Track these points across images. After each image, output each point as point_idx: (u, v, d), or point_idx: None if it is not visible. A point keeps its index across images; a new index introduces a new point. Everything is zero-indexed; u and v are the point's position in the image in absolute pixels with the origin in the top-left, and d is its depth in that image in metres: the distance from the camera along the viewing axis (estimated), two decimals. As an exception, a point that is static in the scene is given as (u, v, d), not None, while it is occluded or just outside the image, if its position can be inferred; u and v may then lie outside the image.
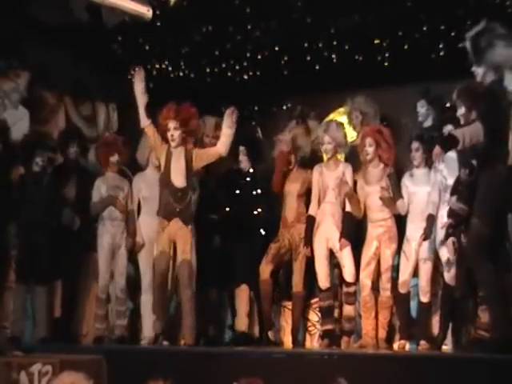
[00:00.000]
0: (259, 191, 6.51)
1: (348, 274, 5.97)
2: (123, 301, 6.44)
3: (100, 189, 6.51)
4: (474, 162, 4.77)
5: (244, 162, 6.55)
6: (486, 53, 4.60)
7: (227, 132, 5.98)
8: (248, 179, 6.53)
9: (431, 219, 5.71)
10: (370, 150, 6.02)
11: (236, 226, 6.45)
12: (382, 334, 5.89)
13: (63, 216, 6.46)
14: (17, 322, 6.31)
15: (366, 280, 5.91)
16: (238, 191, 6.53)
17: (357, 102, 6.55)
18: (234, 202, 6.52)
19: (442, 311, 5.70)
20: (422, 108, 6.51)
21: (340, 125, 6.29)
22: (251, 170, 6.57)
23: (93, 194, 6.53)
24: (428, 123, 6.48)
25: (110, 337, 6.56)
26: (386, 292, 5.90)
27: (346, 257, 5.97)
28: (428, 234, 5.70)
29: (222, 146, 6.00)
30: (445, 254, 5.60)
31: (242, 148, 6.55)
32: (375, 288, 5.98)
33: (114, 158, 6.55)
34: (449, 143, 4.76)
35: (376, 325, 5.91)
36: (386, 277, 5.91)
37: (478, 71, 4.70)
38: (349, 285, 5.98)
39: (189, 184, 6.00)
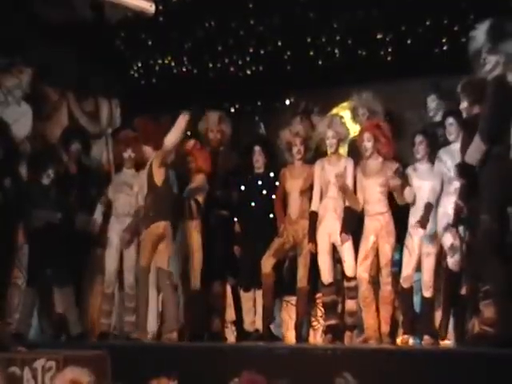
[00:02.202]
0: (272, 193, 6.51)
1: (348, 268, 5.97)
2: (132, 297, 6.43)
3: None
4: (469, 160, 4.74)
5: (259, 162, 6.54)
6: (502, 43, 4.57)
7: (174, 129, 6.07)
8: (260, 182, 6.53)
9: (429, 207, 5.68)
10: (369, 144, 6.02)
11: (249, 226, 6.47)
12: (385, 328, 5.87)
13: (78, 218, 6.49)
14: (24, 321, 6.34)
15: (363, 274, 5.90)
16: (250, 191, 6.55)
17: (364, 99, 6.53)
18: (245, 201, 6.54)
19: (444, 297, 5.67)
20: (432, 102, 6.40)
21: (342, 118, 6.29)
22: (271, 174, 6.56)
23: None
24: (438, 118, 6.41)
25: (114, 333, 6.58)
26: (386, 287, 5.89)
27: (346, 251, 5.97)
28: (424, 222, 5.66)
29: (165, 141, 6.13)
30: (448, 239, 5.57)
31: (257, 148, 6.55)
32: (375, 282, 5.96)
33: (127, 154, 6.55)
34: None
35: (378, 319, 5.90)
36: (386, 271, 5.90)
37: (491, 60, 4.67)
38: (349, 279, 5.97)
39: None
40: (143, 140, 6.49)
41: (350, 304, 5.99)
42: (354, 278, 5.96)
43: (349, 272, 5.96)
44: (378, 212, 5.94)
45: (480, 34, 4.69)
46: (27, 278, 6.39)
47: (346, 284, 6.01)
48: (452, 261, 5.58)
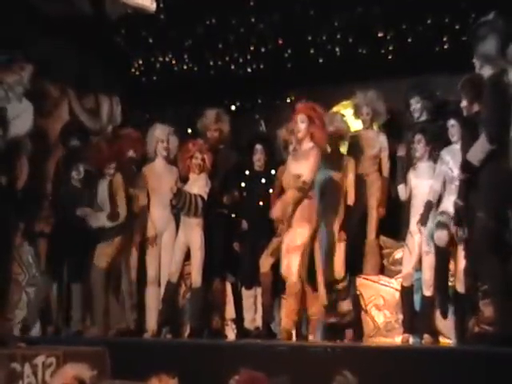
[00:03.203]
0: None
1: (337, 270, 5.96)
2: (134, 295, 6.47)
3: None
4: (471, 159, 4.75)
5: (260, 161, 6.53)
6: (481, 45, 4.61)
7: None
8: (261, 180, 6.53)
9: (429, 206, 5.66)
10: (302, 126, 5.78)
11: (250, 224, 6.49)
12: (285, 323, 5.66)
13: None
14: (33, 314, 6.38)
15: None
16: (250, 189, 6.57)
17: (369, 98, 6.54)
18: (245, 199, 6.58)
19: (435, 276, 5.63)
20: (416, 104, 6.42)
21: (343, 116, 6.27)
22: (272, 172, 6.55)
23: None
24: (423, 117, 6.45)
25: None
26: (291, 277, 5.64)
27: (336, 253, 5.96)
28: (424, 220, 5.64)
29: None
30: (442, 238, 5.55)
31: (258, 146, 6.54)
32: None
33: (130, 153, 6.59)
34: (466, 170, 4.77)
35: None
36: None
37: (476, 62, 4.73)
38: (337, 281, 5.97)
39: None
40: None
41: (342, 305, 5.99)
42: (341, 281, 5.93)
43: (337, 274, 5.95)
44: None
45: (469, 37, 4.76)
46: (44, 271, 6.52)
47: (334, 286, 5.99)
48: (440, 235, 5.48)
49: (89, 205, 6.50)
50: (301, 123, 5.77)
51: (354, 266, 6.36)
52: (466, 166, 4.81)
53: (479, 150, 4.65)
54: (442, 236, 5.42)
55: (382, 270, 6.45)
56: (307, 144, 5.79)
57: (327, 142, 5.89)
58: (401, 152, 6.37)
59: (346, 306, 6.01)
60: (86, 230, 6.45)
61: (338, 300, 6.01)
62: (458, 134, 5.53)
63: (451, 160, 5.58)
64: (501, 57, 4.52)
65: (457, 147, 5.44)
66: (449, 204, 5.46)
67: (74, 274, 6.47)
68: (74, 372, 3.75)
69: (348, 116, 6.88)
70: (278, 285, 6.13)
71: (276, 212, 5.70)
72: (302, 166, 5.70)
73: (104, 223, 6.36)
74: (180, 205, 6.35)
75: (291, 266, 5.59)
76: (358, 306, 6.23)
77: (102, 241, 6.38)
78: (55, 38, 7.40)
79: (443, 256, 5.46)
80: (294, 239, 5.62)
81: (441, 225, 5.43)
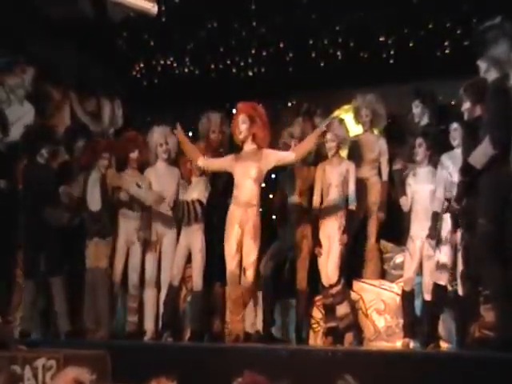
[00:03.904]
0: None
1: (332, 274, 5.94)
2: (135, 297, 6.46)
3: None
4: (472, 162, 4.75)
5: None
6: (490, 48, 4.60)
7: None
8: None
9: (436, 217, 5.64)
10: (244, 127, 5.69)
11: None
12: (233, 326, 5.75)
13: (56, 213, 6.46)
14: (27, 318, 6.33)
15: (236, 271, 5.74)
16: None
17: (368, 101, 6.54)
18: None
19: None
20: (416, 108, 6.42)
21: (342, 121, 6.28)
22: (273, 176, 6.55)
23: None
24: (424, 121, 6.45)
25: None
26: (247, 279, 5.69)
27: (332, 257, 5.95)
28: (432, 232, 5.62)
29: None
30: (441, 256, 5.55)
31: None
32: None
33: (135, 155, 6.56)
34: (466, 173, 4.77)
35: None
36: (247, 263, 5.68)
37: (482, 65, 4.72)
38: (332, 286, 5.96)
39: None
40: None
41: (339, 309, 5.99)
42: (335, 285, 5.94)
43: (332, 279, 5.94)
44: (246, 202, 5.69)
45: (475, 38, 4.74)
46: (24, 271, 6.39)
47: (329, 291, 5.98)
48: (439, 276, 5.54)
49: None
50: (242, 124, 5.70)
51: (354, 270, 6.36)
52: (466, 168, 4.80)
53: (482, 153, 4.64)
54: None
55: (382, 275, 6.44)
56: (250, 145, 5.75)
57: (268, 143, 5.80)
58: (398, 165, 6.35)
59: (343, 309, 5.99)
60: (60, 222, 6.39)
61: (334, 304, 6.00)
62: (460, 138, 5.52)
63: (451, 165, 5.56)
64: (508, 61, 4.53)
65: (458, 152, 5.42)
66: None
67: (54, 267, 6.35)
68: (74, 375, 3.74)
69: (348, 120, 6.89)
70: (278, 289, 6.12)
71: None
72: (250, 169, 5.65)
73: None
74: (179, 216, 6.36)
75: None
76: (356, 310, 6.22)
77: (91, 239, 6.36)
78: (57, 40, 7.43)
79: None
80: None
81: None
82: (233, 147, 6.97)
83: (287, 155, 5.75)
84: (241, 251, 5.71)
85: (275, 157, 5.73)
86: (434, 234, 5.64)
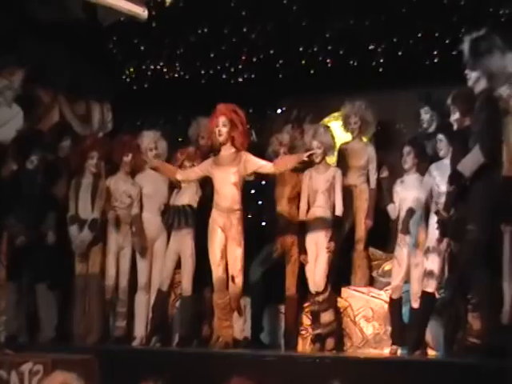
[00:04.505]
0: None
1: (319, 282, 5.95)
2: (124, 302, 6.45)
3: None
4: (461, 169, 4.77)
5: None
6: (483, 58, 4.63)
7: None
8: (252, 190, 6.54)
9: (410, 213, 5.67)
10: (224, 130, 5.61)
11: None
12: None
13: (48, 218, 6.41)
14: (11, 322, 6.29)
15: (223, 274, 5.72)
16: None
17: (357, 108, 6.57)
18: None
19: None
20: (426, 114, 6.35)
21: (327, 128, 6.29)
22: (263, 182, 6.55)
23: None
24: (433, 128, 6.33)
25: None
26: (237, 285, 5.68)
27: (319, 264, 5.96)
28: (404, 227, 5.66)
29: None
30: (429, 264, 5.57)
31: None
32: None
33: (128, 159, 6.55)
34: (455, 180, 4.79)
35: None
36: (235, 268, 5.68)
37: (472, 75, 4.75)
38: (318, 294, 5.97)
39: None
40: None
41: (324, 316, 5.99)
42: (321, 293, 5.94)
43: (319, 287, 5.94)
44: (227, 208, 5.68)
45: (465, 48, 4.76)
46: (7, 273, 6.35)
47: (316, 298, 5.99)
48: (426, 284, 5.55)
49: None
50: (222, 126, 5.64)
51: (343, 276, 6.38)
52: (455, 176, 4.82)
53: (471, 161, 4.67)
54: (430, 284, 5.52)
55: (371, 282, 6.46)
56: (228, 149, 5.70)
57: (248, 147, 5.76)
58: (384, 173, 6.36)
59: (327, 317, 6.00)
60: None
61: (320, 311, 6.00)
62: (446, 148, 5.54)
63: (438, 176, 5.60)
64: (499, 73, 4.56)
65: (445, 162, 5.45)
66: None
67: (39, 274, 6.30)
68: (62, 380, 3.73)
69: (336, 128, 6.92)
70: (268, 294, 6.13)
71: None
72: (229, 174, 5.63)
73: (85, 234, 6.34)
74: (169, 222, 6.35)
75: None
76: (341, 317, 6.23)
77: (82, 247, 6.32)
78: (47, 43, 7.40)
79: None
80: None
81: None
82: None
83: (266, 166, 5.71)
84: (225, 257, 5.70)
85: (254, 164, 5.70)
86: (406, 230, 5.65)
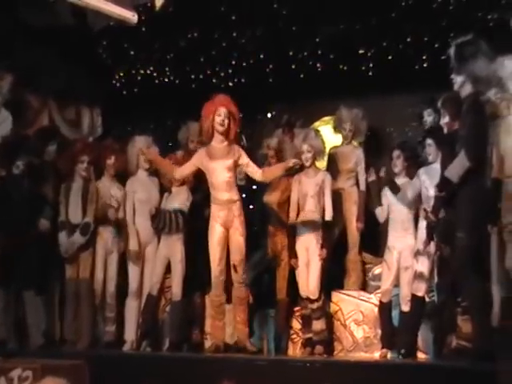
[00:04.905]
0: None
1: (312, 289, 5.94)
2: (113, 307, 6.44)
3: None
4: (449, 176, 4.79)
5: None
6: (468, 63, 4.65)
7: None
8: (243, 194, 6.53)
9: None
10: (227, 121, 5.66)
11: None
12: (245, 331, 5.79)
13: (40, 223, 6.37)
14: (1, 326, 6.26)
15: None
16: None
17: (354, 115, 6.61)
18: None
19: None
20: (429, 117, 6.35)
21: (318, 132, 6.30)
22: (254, 187, 6.56)
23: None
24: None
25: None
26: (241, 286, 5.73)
27: (313, 271, 5.95)
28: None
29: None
30: (419, 266, 5.60)
31: None
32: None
33: (111, 161, 6.54)
34: (443, 186, 4.81)
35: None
36: (240, 268, 5.70)
37: (457, 80, 4.77)
38: (312, 301, 5.96)
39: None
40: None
41: (316, 324, 5.98)
42: (316, 300, 5.94)
43: (313, 295, 5.93)
44: (226, 199, 5.70)
45: (451, 52, 4.78)
46: None
47: (309, 305, 5.99)
48: (416, 287, 5.60)
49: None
50: (225, 118, 5.67)
51: (335, 280, 6.38)
52: (444, 183, 4.84)
53: (458, 166, 4.69)
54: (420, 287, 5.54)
55: (362, 286, 6.47)
56: (221, 141, 5.74)
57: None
58: (372, 177, 6.41)
59: (319, 325, 5.99)
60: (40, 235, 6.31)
61: (312, 318, 6.00)
62: (435, 153, 5.57)
63: (427, 180, 5.62)
64: (484, 77, 4.58)
65: (434, 167, 5.47)
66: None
67: (27, 281, 6.22)
68: (52, 385, 3.72)
69: (326, 131, 6.93)
70: (259, 299, 6.12)
71: None
72: (224, 166, 5.66)
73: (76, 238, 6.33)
74: (160, 226, 6.34)
75: None
76: (332, 325, 6.23)
77: (72, 251, 6.31)
78: (37, 48, 7.38)
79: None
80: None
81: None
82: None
83: (256, 172, 5.79)
84: (225, 257, 5.71)
85: (247, 164, 5.78)
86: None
